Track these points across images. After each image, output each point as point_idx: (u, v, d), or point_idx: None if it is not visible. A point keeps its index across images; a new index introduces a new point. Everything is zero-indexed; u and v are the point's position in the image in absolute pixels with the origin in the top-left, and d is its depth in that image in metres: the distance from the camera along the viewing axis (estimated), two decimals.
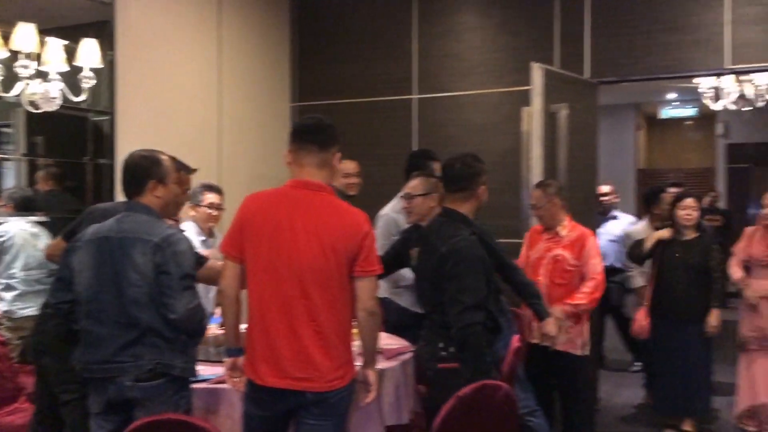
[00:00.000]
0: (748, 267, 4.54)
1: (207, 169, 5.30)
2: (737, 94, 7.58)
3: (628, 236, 5.23)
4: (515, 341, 3.30)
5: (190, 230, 3.74)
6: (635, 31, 5.04)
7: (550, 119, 4.58)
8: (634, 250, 4.69)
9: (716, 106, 7.83)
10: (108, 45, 4.50)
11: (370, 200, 5.73)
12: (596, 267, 3.87)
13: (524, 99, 5.01)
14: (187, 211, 3.90)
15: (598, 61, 5.18)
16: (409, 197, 3.57)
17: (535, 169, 4.47)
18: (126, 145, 4.51)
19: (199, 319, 2.59)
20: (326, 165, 2.50)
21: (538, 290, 3.58)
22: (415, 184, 3.58)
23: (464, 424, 2.33)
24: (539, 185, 4.09)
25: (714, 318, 4.33)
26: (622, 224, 5.91)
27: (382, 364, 3.15)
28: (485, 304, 2.80)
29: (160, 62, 4.90)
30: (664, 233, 4.52)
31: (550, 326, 3.57)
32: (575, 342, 3.89)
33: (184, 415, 2.40)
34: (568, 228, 3.98)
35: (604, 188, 6.03)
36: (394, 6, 5.89)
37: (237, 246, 2.50)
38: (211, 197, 4.00)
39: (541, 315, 3.52)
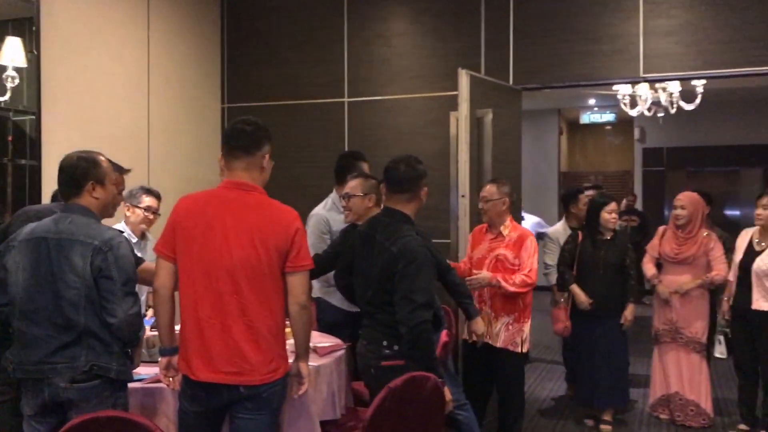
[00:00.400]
0: (660, 264, 4.82)
1: (136, 171, 5.21)
2: (651, 101, 8.01)
3: (547, 235, 5.46)
4: (443, 336, 3.43)
5: (121, 229, 3.72)
6: (556, 41, 5.28)
7: (476, 124, 4.74)
8: (563, 256, 4.86)
9: (633, 112, 8.24)
10: (32, 43, 4.41)
11: (301, 200, 5.82)
12: (532, 266, 4.00)
13: (452, 104, 5.18)
14: (122, 210, 3.87)
15: (521, 69, 5.39)
16: (347, 197, 3.63)
17: (463, 172, 4.61)
18: (52, 146, 4.44)
19: (138, 327, 2.59)
20: (254, 167, 2.57)
21: (469, 291, 3.74)
22: (354, 185, 3.64)
23: (395, 414, 2.43)
24: (494, 181, 4.21)
25: (629, 312, 4.57)
26: (528, 225, 6.21)
27: (316, 362, 3.22)
28: (434, 303, 2.91)
29: (87, 62, 4.82)
30: None
31: (478, 325, 3.75)
32: (515, 340, 4.02)
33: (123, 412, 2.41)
34: (510, 228, 4.10)
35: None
36: (324, 11, 5.97)
37: (170, 246, 2.53)
38: (149, 200, 3.97)
39: (470, 314, 3.68)
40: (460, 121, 4.64)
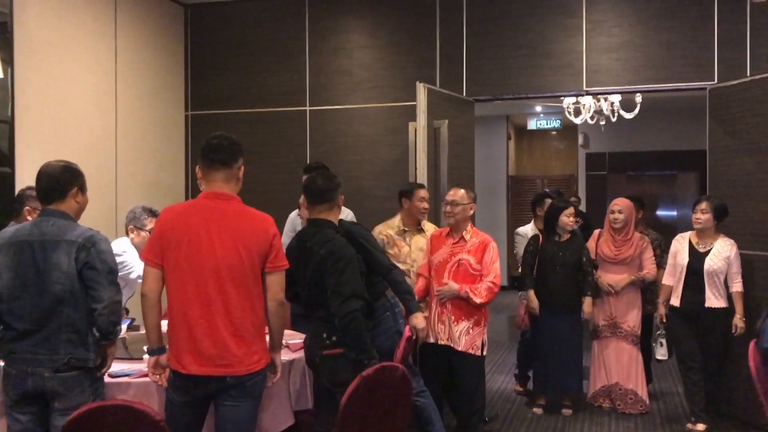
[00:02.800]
0: (596, 263, 5.18)
1: (104, 177, 5.41)
2: (594, 110, 8.48)
3: (517, 234, 5.75)
4: (407, 331, 3.73)
5: (131, 251, 3.89)
6: (507, 56, 5.64)
7: (433, 133, 5.06)
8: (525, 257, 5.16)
9: (577, 121, 8.70)
10: (5, 52, 4.54)
11: (264, 206, 6.03)
12: (497, 272, 4.20)
13: (409, 113, 5.50)
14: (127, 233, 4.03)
15: (474, 81, 5.74)
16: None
17: (421, 179, 4.92)
18: (25, 153, 4.57)
19: (117, 319, 2.82)
20: (232, 178, 2.84)
21: (410, 287, 3.92)
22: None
23: (367, 400, 2.71)
24: (462, 186, 4.33)
25: (587, 305, 4.94)
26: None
27: (289, 356, 3.49)
28: (362, 294, 3.22)
29: (58, 71, 4.96)
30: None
31: (418, 319, 3.84)
32: (476, 343, 4.19)
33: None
34: (471, 234, 4.24)
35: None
36: (287, 23, 6.20)
37: (157, 254, 2.78)
38: (153, 223, 4.10)
39: (410, 309, 3.87)
40: (419, 130, 4.95)
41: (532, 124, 12.54)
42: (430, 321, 4.20)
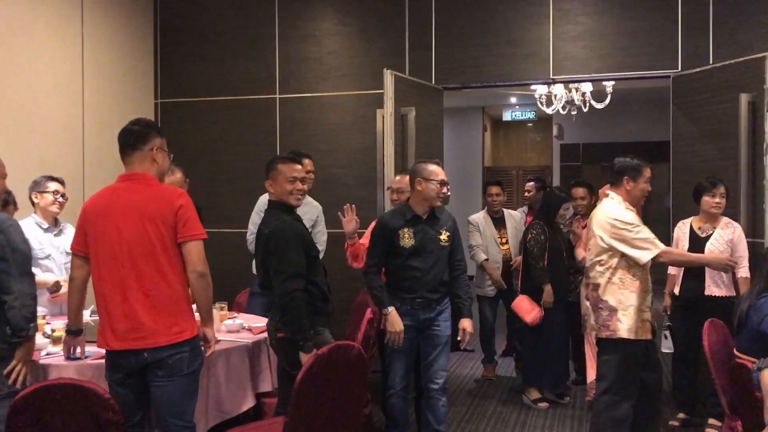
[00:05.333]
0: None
1: (71, 165, 5.37)
2: (565, 100, 8.55)
3: (469, 223, 5.75)
4: (368, 313, 3.76)
5: (29, 221, 4.06)
6: (475, 44, 5.67)
7: (401, 120, 5.08)
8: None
9: (549, 111, 8.77)
10: None
11: (234, 194, 6.07)
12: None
13: (379, 101, 5.50)
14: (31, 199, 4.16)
15: (442, 69, 5.77)
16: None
17: (388, 166, 4.95)
18: None
19: (30, 314, 2.82)
20: (145, 160, 2.89)
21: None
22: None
23: (322, 379, 2.73)
24: (405, 172, 4.23)
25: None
26: None
27: (251, 338, 3.52)
28: (305, 275, 3.22)
29: (22, 58, 4.91)
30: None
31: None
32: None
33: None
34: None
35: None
36: (257, 10, 6.19)
37: (81, 243, 2.88)
38: (54, 185, 4.20)
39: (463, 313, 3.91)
40: (386, 117, 4.97)
41: (507, 116, 12.63)
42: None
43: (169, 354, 2.74)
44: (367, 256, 3.79)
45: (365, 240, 4.19)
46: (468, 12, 5.71)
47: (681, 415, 4.58)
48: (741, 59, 4.71)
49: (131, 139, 2.89)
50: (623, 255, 3.52)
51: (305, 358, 3.04)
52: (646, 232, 3.52)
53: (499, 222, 5.65)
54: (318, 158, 5.74)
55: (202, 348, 2.90)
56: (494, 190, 5.68)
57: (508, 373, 5.98)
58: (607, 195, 3.72)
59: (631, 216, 3.55)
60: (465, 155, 11.83)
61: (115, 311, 2.76)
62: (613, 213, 3.56)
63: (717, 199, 4.29)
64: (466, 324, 3.75)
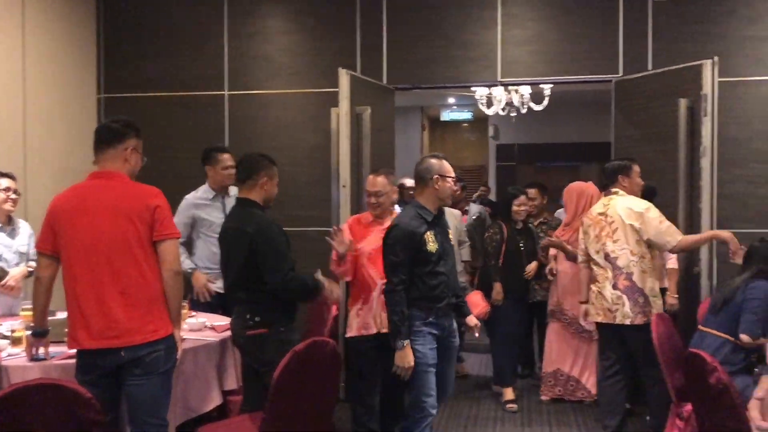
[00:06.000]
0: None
1: (12, 161, 5.18)
2: (505, 102, 8.78)
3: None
4: (334, 310, 3.80)
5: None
6: (426, 46, 5.78)
7: (355, 119, 5.13)
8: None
9: (489, 112, 8.98)
10: None
11: (183, 192, 5.95)
12: None
13: (330, 100, 5.53)
14: None
15: (394, 70, 5.84)
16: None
17: (343, 164, 4.98)
18: None
19: None
20: (118, 159, 2.87)
21: None
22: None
23: (298, 375, 2.77)
24: (382, 173, 4.15)
25: (533, 267, 5.07)
26: None
27: (216, 337, 3.51)
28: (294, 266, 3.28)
29: None
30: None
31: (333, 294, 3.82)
32: None
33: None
34: (395, 214, 4.10)
35: (408, 182, 6.62)
36: (204, 5, 6.11)
37: (49, 242, 2.83)
38: (6, 182, 4.07)
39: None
40: (341, 116, 5.00)
41: (445, 116, 12.84)
42: (372, 311, 3.97)
43: (146, 352, 2.73)
44: (389, 271, 3.43)
45: (368, 245, 3.99)
46: (419, 14, 5.80)
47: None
48: (680, 66, 4.97)
49: (108, 135, 2.86)
50: (649, 245, 3.95)
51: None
52: (669, 222, 3.96)
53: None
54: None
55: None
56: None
57: (474, 371, 6.13)
58: (615, 193, 4.12)
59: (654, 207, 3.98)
60: (404, 154, 11.92)
61: (89, 310, 2.72)
62: (642, 204, 4.00)
63: None
64: (474, 320, 3.75)
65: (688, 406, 3.33)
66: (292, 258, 3.47)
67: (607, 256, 4.10)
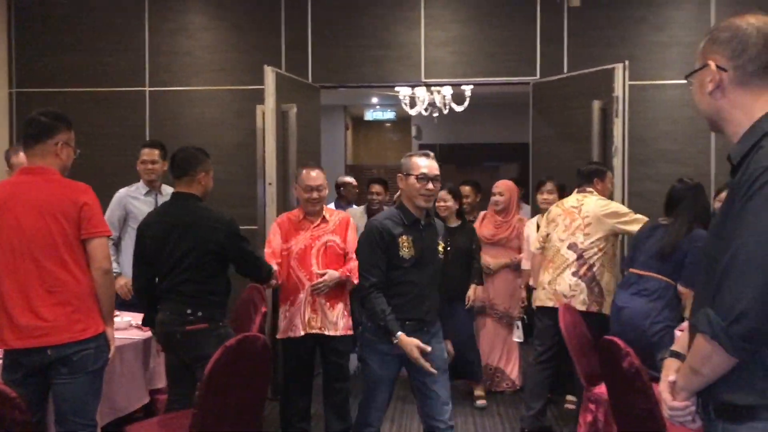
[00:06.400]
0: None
1: None
2: (428, 103, 8.94)
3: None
4: (263, 309, 3.81)
5: None
6: (351, 45, 5.84)
7: (281, 117, 5.13)
8: None
9: (412, 112, 9.12)
10: None
11: (102, 189, 5.81)
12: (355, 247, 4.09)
13: (255, 97, 5.53)
14: None
15: (319, 68, 5.88)
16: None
17: (269, 162, 4.98)
18: None
19: None
20: (48, 154, 2.80)
21: None
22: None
23: (230, 370, 2.76)
24: (315, 166, 4.06)
25: (473, 292, 4.94)
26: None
27: (143, 336, 3.46)
28: None
29: None
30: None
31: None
32: (350, 323, 4.00)
33: None
34: (329, 212, 4.05)
35: (348, 179, 6.66)
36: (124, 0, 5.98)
37: None
38: None
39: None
40: (267, 114, 5.00)
41: (368, 115, 12.93)
42: (301, 313, 3.91)
43: (74, 351, 2.68)
44: (361, 273, 3.20)
45: (297, 245, 3.92)
46: (344, 13, 5.86)
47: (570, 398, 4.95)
48: (593, 69, 5.22)
49: (36, 130, 2.77)
50: (614, 243, 4.27)
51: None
52: (635, 215, 4.27)
53: None
54: None
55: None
56: (374, 188, 5.78)
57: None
58: (591, 192, 4.36)
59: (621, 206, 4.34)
60: (328, 153, 11.95)
61: (15, 309, 2.66)
62: (612, 205, 4.32)
63: (545, 195, 4.89)
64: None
65: (599, 388, 3.52)
66: None
67: (573, 246, 4.28)
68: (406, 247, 3.13)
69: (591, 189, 4.40)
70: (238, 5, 5.93)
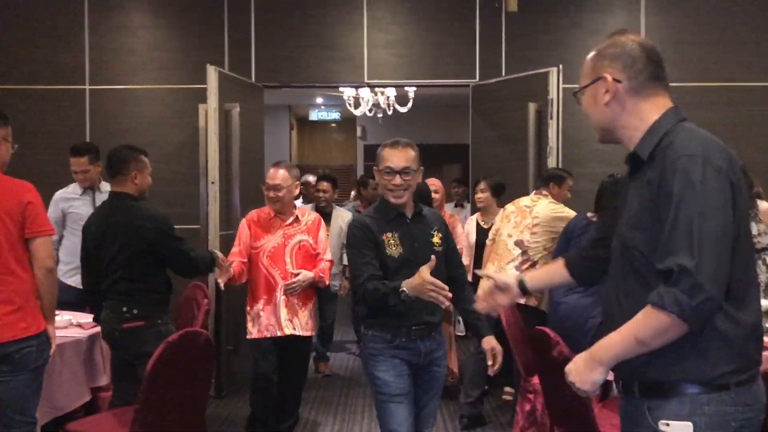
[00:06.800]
0: None
1: None
2: (372, 104, 9.06)
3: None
4: (206, 305, 3.84)
5: None
6: (295, 45, 5.89)
7: (224, 116, 5.15)
8: None
9: (357, 113, 9.23)
10: None
11: (40, 188, 5.73)
12: (327, 247, 4.07)
13: (197, 96, 5.53)
14: None
15: (262, 68, 5.92)
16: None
17: (212, 161, 5.00)
18: None
19: None
20: None
21: None
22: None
23: (172, 364, 2.80)
24: (283, 166, 3.97)
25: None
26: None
27: (84, 334, 3.46)
28: None
29: None
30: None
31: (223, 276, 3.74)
32: (311, 324, 4.01)
33: None
34: (301, 212, 4.03)
35: (311, 178, 6.66)
36: None
37: None
38: None
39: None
40: (210, 113, 5.01)
41: (313, 115, 12.97)
42: (277, 313, 3.88)
43: (15, 349, 2.69)
44: (354, 274, 2.81)
45: (268, 243, 3.88)
46: (287, 13, 5.91)
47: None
48: (529, 73, 5.40)
49: None
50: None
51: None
52: None
53: (324, 219, 5.81)
54: None
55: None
56: (321, 185, 5.67)
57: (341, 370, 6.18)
58: (546, 195, 4.51)
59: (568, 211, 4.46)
60: (273, 153, 11.94)
61: None
62: (564, 210, 4.44)
63: (478, 194, 5.13)
64: (493, 341, 2.85)
65: (537, 379, 3.68)
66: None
67: (519, 243, 4.44)
68: (393, 245, 2.79)
69: (546, 192, 4.56)
70: (182, 4, 5.92)
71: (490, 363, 2.82)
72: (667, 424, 1.62)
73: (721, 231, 1.54)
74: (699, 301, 1.51)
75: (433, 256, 2.53)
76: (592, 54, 1.82)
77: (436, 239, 2.89)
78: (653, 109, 1.74)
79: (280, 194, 3.85)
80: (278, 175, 3.87)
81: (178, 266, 3.44)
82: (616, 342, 1.65)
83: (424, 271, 2.47)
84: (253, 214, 4.01)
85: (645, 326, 1.59)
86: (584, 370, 1.69)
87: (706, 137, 1.65)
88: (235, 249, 3.94)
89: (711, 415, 1.60)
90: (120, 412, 3.15)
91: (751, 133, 5.76)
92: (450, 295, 2.48)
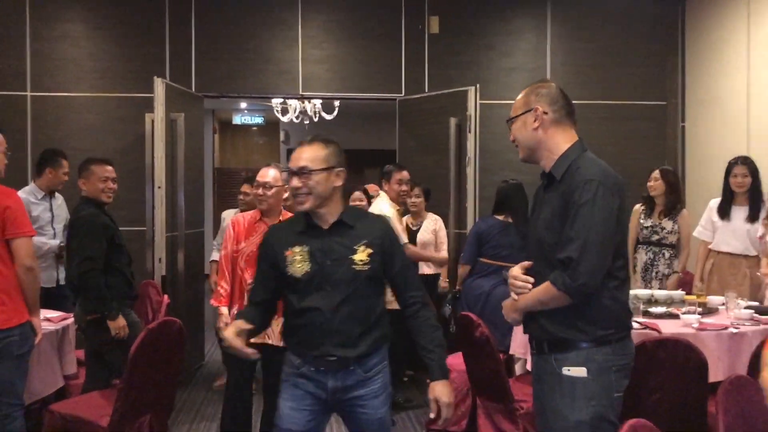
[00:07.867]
0: None
1: None
2: (299, 111, 9.51)
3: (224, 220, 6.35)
4: (166, 300, 4.23)
5: None
6: (234, 58, 6.28)
7: (170, 125, 5.50)
8: None
9: (285, 119, 9.64)
10: None
11: None
12: None
13: (139, 104, 5.87)
14: None
15: (202, 78, 6.27)
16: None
17: (159, 167, 5.34)
18: None
19: None
20: None
21: None
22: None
23: (152, 348, 3.19)
24: (272, 166, 3.83)
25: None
26: None
27: (55, 327, 3.78)
28: (99, 260, 3.72)
29: None
30: None
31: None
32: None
33: None
34: (286, 216, 3.73)
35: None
36: (3, 4, 6.06)
37: None
38: None
39: None
40: (157, 122, 5.35)
41: (236, 120, 13.26)
42: None
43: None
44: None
45: (248, 246, 3.67)
46: (228, 28, 6.28)
47: (409, 372, 5.71)
48: (450, 90, 6.02)
49: None
50: None
51: (115, 326, 3.64)
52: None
53: None
54: (74, 159, 5.82)
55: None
56: (244, 188, 5.46)
57: None
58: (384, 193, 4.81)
59: (390, 211, 4.62)
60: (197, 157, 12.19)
61: None
62: (388, 211, 4.59)
63: (413, 199, 5.49)
64: (438, 391, 2.38)
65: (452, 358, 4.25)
66: (129, 256, 3.96)
67: None
68: (298, 261, 2.38)
69: (384, 190, 4.93)
70: (124, 16, 6.19)
71: (432, 416, 2.41)
72: (569, 370, 2.24)
73: (602, 236, 2.17)
74: (578, 284, 2.16)
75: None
76: (524, 92, 2.40)
77: (359, 256, 2.39)
78: (565, 139, 2.33)
79: (268, 193, 3.64)
80: (269, 174, 3.68)
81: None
82: (528, 300, 2.32)
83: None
84: (239, 216, 3.87)
85: (544, 295, 2.25)
86: (509, 311, 2.41)
87: (602, 166, 2.28)
88: (222, 252, 3.78)
89: (599, 362, 2.23)
90: (95, 395, 3.51)
91: (633, 145, 6.51)
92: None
